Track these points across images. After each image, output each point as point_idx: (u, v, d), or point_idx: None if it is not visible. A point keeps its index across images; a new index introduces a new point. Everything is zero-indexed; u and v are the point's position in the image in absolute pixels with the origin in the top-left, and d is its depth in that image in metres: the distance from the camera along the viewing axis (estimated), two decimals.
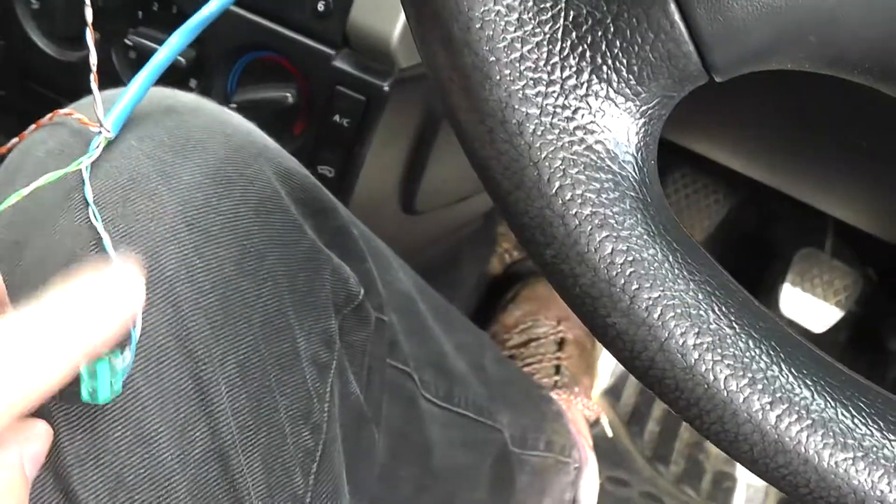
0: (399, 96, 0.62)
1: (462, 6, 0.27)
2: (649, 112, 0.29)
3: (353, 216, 0.47)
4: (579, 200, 0.28)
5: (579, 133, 0.28)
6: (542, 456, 0.73)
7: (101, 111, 0.34)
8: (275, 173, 0.39)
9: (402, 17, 0.59)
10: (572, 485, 0.82)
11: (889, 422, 0.29)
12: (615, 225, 0.29)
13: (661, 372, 0.29)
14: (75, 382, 0.29)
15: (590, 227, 0.28)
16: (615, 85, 0.29)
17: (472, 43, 0.28)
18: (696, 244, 0.31)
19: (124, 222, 0.34)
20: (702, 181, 1.14)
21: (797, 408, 0.29)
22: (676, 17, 0.27)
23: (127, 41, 0.64)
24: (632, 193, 0.29)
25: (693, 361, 0.29)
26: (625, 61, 0.28)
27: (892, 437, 0.29)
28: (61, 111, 0.38)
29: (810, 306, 1.10)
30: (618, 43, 0.28)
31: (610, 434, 1.00)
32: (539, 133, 0.28)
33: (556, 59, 0.28)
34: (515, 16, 0.27)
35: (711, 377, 0.29)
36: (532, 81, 0.28)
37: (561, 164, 0.28)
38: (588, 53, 0.28)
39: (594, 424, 1.00)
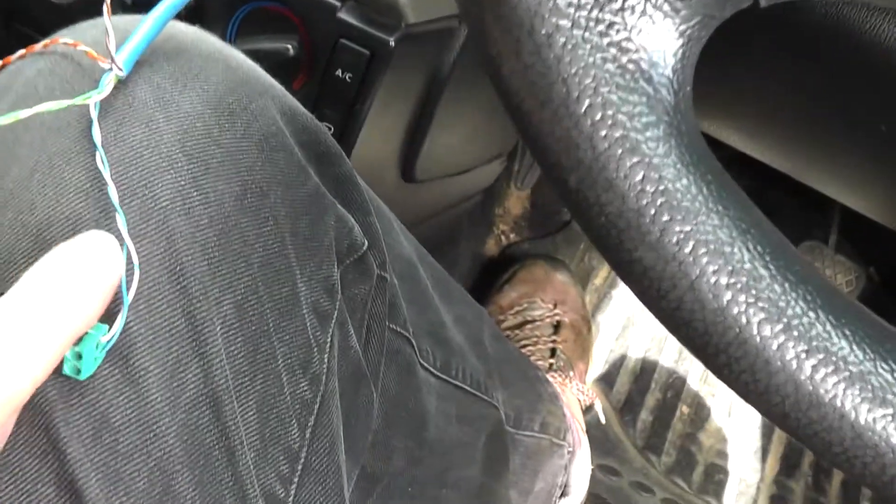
0: (404, 53, 0.59)
1: None
2: (688, 32, 0.27)
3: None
4: (610, 122, 0.26)
5: (613, 50, 0.26)
6: (536, 437, 0.71)
7: (114, 46, 0.31)
8: (279, 112, 0.36)
9: None
10: (565, 468, 0.80)
11: None
12: (647, 151, 0.26)
13: (689, 314, 0.27)
14: None
15: (620, 152, 0.26)
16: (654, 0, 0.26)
17: None
18: (730, 178, 0.29)
19: (118, 149, 0.32)
20: None
21: (834, 358, 0.27)
22: None
23: None
24: (666, 119, 0.27)
25: (725, 303, 0.27)
26: None
27: None
28: (62, 39, 0.34)
29: None
30: None
31: (603, 421, 0.98)
32: (570, 47, 0.26)
33: None
34: None
35: (744, 320, 0.27)
36: None
37: (592, 82, 0.26)
38: None
39: (587, 410, 0.98)
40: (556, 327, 0.96)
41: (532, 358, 0.91)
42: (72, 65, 0.33)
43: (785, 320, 0.27)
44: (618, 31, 0.26)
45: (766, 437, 1.08)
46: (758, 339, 0.27)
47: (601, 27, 0.26)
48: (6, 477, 0.28)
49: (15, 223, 0.30)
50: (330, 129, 0.61)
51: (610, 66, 0.26)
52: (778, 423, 0.28)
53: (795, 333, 0.27)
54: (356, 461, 0.44)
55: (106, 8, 0.30)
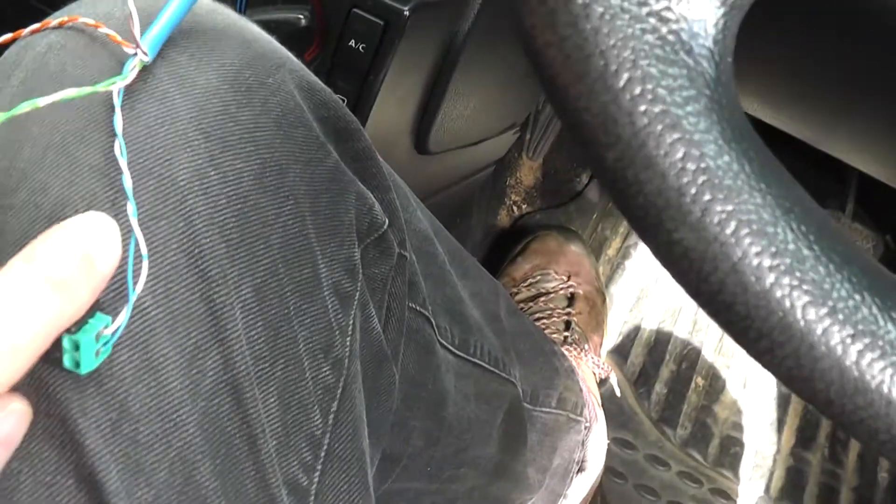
0: (419, 23, 0.58)
1: None
2: (731, 1, 0.26)
3: None
4: (649, 97, 0.25)
5: (652, 20, 0.25)
6: (553, 413, 0.70)
7: (138, 29, 0.30)
8: (297, 87, 0.35)
9: None
10: (582, 444, 0.79)
11: None
12: (688, 126, 0.25)
13: (731, 297, 0.26)
14: (58, 348, 0.26)
15: (660, 128, 0.25)
16: None
17: None
18: (770, 153, 0.27)
19: (133, 127, 0.30)
20: None
21: (881, 342, 0.26)
22: None
23: None
24: (707, 92, 0.26)
25: (768, 285, 0.26)
26: None
27: None
28: (82, 18, 0.33)
29: None
30: None
31: (619, 394, 0.97)
32: (608, 17, 0.24)
33: None
34: None
35: (788, 304, 0.26)
36: None
37: (630, 55, 0.25)
38: None
39: (601, 383, 0.97)
40: (571, 299, 0.95)
41: (546, 331, 0.90)
42: (84, 39, 0.32)
43: (830, 303, 0.26)
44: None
45: (782, 408, 1.07)
46: (802, 323, 0.26)
47: None
48: (25, 468, 0.27)
49: (28, 204, 0.29)
50: (343, 100, 0.59)
51: (649, 37, 0.25)
52: (822, 410, 0.27)
53: (841, 317, 0.26)
54: (378, 445, 0.43)
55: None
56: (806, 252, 0.26)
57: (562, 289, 0.95)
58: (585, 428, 0.80)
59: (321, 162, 0.35)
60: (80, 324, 0.26)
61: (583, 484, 0.85)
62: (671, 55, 0.25)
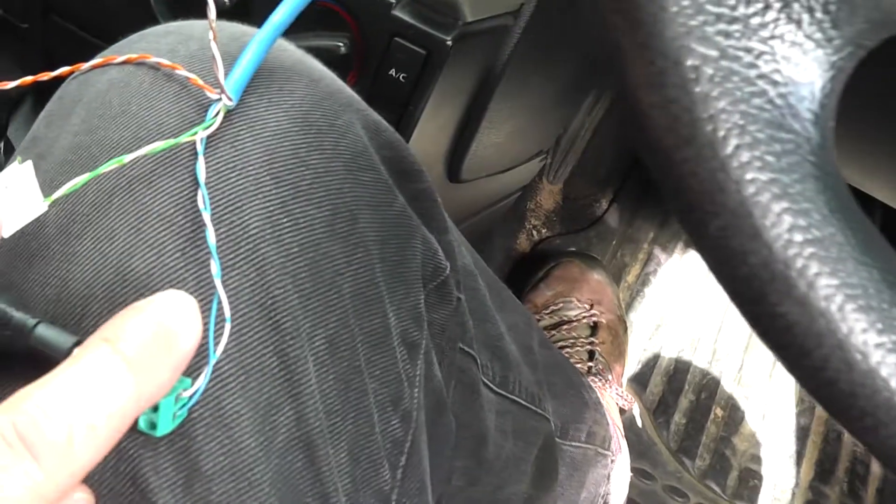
0: (460, 52, 0.57)
1: None
2: (838, 63, 0.25)
3: None
4: (758, 164, 0.24)
5: (761, 83, 0.24)
6: (582, 447, 0.69)
7: (223, 73, 0.29)
8: (364, 127, 0.34)
9: None
10: (608, 478, 0.78)
11: None
12: (795, 196, 0.24)
13: (834, 373, 0.25)
14: None
15: (768, 196, 0.24)
16: (806, 27, 0.24)
17: None
18: (870, 222, 0.26)
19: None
20: None
21: None
22: None
23: None
24: (811, 159, 0.25)
25: (874, 364, 0.24)
26: None
27: None
28: (155, 58, 0.31)
29: None
30: None
31: (640, 424, 0.96)
32: (717, 80, 0.23)
33: None
34: None
35: (895, 384, 0.24)
36: (713, 17, 0.23)
37: (740, 119, 0.23)
38: None
39: (621, 412, 0.96)
40: (594, 328, 0.94)
41: (570, 361, 0.89)
42: (148, 77, 0.31)
43: None
44: (767, 61, 0.24)
45: (801, 441, 1.06)
46: None
47: (750, 57, 0.24)
48: None
49: (93, 252, 0.28)
50: None
51: (758, 100, 0.24)
52: None
53: None
54: (434, 494, 0.42)
55: (211, 33, 0.28)
56: None
57: (584, 317, 0.94)
58: (611, 461, 0.78)
59: (390, 206, 0.34)
60: None
61: None
62: (779, 119, 0.24)
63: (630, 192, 1.19)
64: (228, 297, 0.28)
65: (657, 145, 0.24)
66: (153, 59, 0.31)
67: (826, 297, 0.24)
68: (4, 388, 0.26)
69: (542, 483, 0.62)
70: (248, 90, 0.31)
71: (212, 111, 0.29)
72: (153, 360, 0.23)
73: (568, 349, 0.90)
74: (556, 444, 0.63)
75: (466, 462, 0.49)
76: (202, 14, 0.66)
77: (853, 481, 1.04)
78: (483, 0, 0.57)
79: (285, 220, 0.30)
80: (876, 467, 1.05)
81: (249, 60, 0.30)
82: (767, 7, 0.24)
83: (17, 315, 0.25)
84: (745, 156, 0.24)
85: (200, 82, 0.29)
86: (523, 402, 0.56)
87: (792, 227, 0.24)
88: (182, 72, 0.30)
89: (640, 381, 1.07)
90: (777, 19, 0.24)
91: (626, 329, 1.01)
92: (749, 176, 0.24)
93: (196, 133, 0.28)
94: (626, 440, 0.95)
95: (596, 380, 0.87)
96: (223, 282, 0.28)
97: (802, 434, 1.07)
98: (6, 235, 0.26)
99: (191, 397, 0.26)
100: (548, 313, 0.95)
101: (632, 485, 0.98)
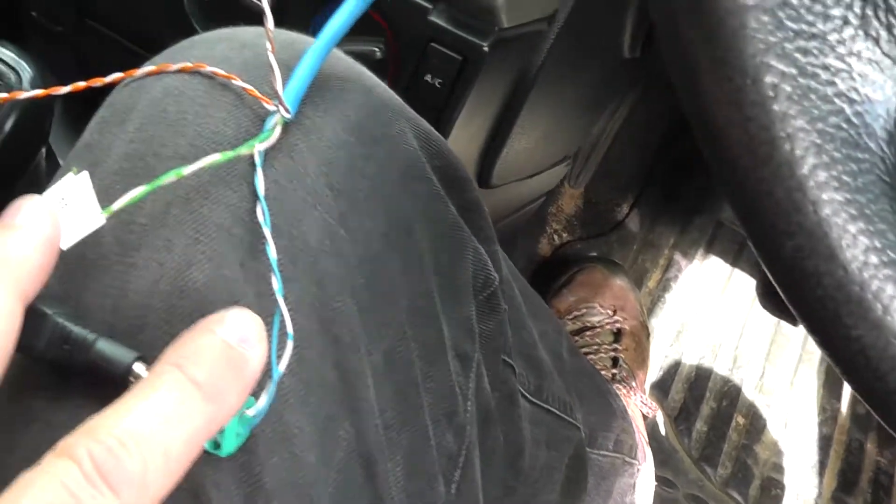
0: (496, 58, 0.56)
1: None
2: None
3: None
4: (835, 184, 0.23)
5: (839, 101, 0.23)
6: (610, 456, 0.69)
7: (280, 85, 0.28)
8: (416, 136, 0.34)
9: None
10: (634, 487, 0.78)
11: None
12: (871, 216, 0.24)
13: None
14: None
15: (844, 217, 0.23)
16: (884, 44, 0.24)
17: None
18: None
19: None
20: None
21: None
22: None
23: None
24: (886, 179, 0.24)
25: None
26: None
27: None
28: (210, 67, 0.30)
29: None
30: None
31: (663, 432, 0.95)
32: (796, 98, 0.23)
33: (820, 6, 0.23)
34: None
35: None
36: (793, 33, 0.23)
37: (818, 139, 0.23)
38: (857, 2, 0.23)
39: (644, 419, 0.95)
40: (617, 335, 0.93)
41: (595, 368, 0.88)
42: (203, 86, 0.30)
43: None
44: (844, 78, 0.23)
45: (824, 451, 1.05)
46: None
47: (828, 75, 0.23)
48: None
49: (150, 262, 0.28)
50: None
51: (835, 119, 0.23)
52: None
53: None
54: None
55: (269, 44, 0.27)
56: None
57: (607, 323, 0.93)
58: (637, 470, 0.78)
59: (443, 217, 0.34)
60: None
61: None
62: (855, 138, 0.24)
63: (651, 196, 1.19)
64: (288, 311, 0.28)
65: (733, 164, 0.24)
66: (209, 69, 0.30)
67: None
68: (64, 403, 0.26)
69: (571, 492, 0.61)
70: (304, 100, 0.31)
71: (269, 123, 0.29)
72: (224, 383, 0.22)
73: (592, 356, 0.90)
74: (585, 452, 0.63)
75: (504, 473, 0.49)
76: (236, 18, 0.66)
77: (877, 492, 1.03)
78: (519, 6, 0.57)
79: (343, 232, 0.29)
80: None
81: (306, 71, 0.29)
82: (846, 23, 0.23)
83: (77, 330, 0.25)
84: (822, 175, 0.23)
85: (258, 94, 0.29)
86: (556, 412, 0.55)
87: (868, 248, 0.24)
88: (238, 82, 0.30)
89: (661, 388, 1.06)
90: (855, 36, 0.23)
91: (648, 335, 1.00)
92: (826, 196, 0.23)
93: (254, 146, 0.28)
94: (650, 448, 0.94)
95: (620, 387, 0.87)
96: (284, 294, 0.28)
97: (825, 443, 1.06)
98: (64, 248, 0.25)
99: (255, 416, 0.25)
100: (570, 319, 0.94)
101: (654, 493, 0.97)
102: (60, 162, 0.65)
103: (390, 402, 0.31)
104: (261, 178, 0.27)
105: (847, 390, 1.10)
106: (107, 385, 0.25)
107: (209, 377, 0.22)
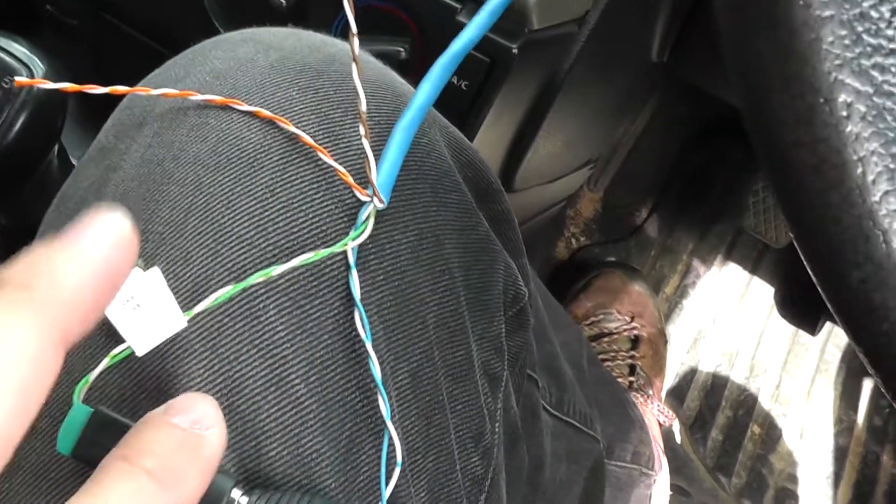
0: (525, 60, 0.55)
1: None
2: None
3: None
4: None
5: None
6: (628, 468, 0.67)
7: (375, 173, 0.27)
8: (447, 145, 0.32)
9: None
10: (650, 498, 0.76)
11: None
12: None
13: None
14: None
15: None
16: None
17: None
18: None
19: (285, 182, 0.28)
20: None
21: None
22: None
23: None
24: None
25: None
26: None
27: None
28: (245, 107, 0.28)
29: None
30: None
31: (679, 441, 0.94)
32: (870, 119, 0.22)
33: None
34: None
35: None
36: (871, 48, 0.21)
37: (891, 163, 0.22)
38: None
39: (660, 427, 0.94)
40: (634, 342, 0.92)
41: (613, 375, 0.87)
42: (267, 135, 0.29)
43: None
44: None
45: (839, 462, 1.04)
46: None
47: None
48: None
49: (167, 274, 0.26)
50: None
51: None
52: None
53: None
54: None
55: (363, 129, 0.26)
56: None
57: (625, 330, 0.92)
58: (654, 481, 0.77)
59: (474, 230, 0.32)
60: None
61: None
62: None
63: (670, 202, 1.17)
64: (310, 328, 0.26)
65: (800, 187, 0.22)
66: (245, 107, 0.28)
67: None
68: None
69: None
70: (333, 105, 0.30)
71: (363, 214, 0.27)
72: (180, 467, 0.20)
73: (609, 363, 0.89)
74: (604, 465, 0.61)
75: (524, 488, 0.47)
76: (256, 15, 0.64)
77: None
78: (550, 7, 0.55)
79: (371, 245, 0.28)
80: None
81: (396, 153, 0.28)
82: None
83: None
84: (893, 203, 0.22)
85: (352, 181, 0.27)
86: (577, 425, 0.54)
87: None
88: (330, 160, 0.28)
89: (677, 396, 1.05)
90: None
91: (666, 343, 0.99)
92: None
93: (345, 244, 0.26)
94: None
95: (638, 395, 0.86)
96: (304, 310, 0.27)
97: (840, 455, 1.04)
98: (140, 354, 0.23)
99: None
100: (587, 324, 0.93)
101: (668, 502, 0.96)
102: (72, 160, 0.64)
103: (415, 424, 0.29)
104: (356, 283, 0.26)
105: (864, 402, 1.09)
106: None
107: (161, 463, 0.20)
